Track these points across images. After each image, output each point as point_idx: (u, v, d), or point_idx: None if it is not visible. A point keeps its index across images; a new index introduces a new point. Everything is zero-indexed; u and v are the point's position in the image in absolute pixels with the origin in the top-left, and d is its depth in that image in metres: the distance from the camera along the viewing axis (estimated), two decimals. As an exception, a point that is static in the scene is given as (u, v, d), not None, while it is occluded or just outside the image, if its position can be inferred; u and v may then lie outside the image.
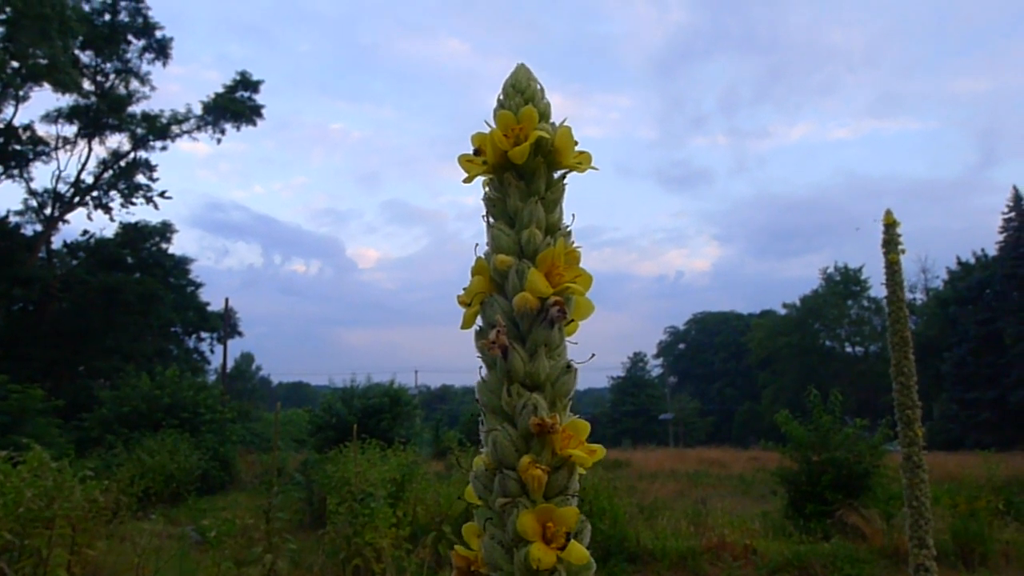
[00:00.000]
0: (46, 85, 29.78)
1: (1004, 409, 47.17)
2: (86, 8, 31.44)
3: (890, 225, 5.27)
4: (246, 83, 39.98)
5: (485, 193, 0.98)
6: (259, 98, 40.07)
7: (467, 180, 0.96)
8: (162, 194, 37.93)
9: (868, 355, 63.69)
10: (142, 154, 37.69)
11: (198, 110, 38.10)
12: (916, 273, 65.50)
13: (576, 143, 0.96)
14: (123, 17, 35.05)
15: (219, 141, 39.28)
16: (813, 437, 14.82)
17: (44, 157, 34.95)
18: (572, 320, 0.93)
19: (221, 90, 39.43)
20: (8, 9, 24.73)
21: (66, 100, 33.37)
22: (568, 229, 0.96)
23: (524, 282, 0.89)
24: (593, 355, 0.92)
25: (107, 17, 34.19)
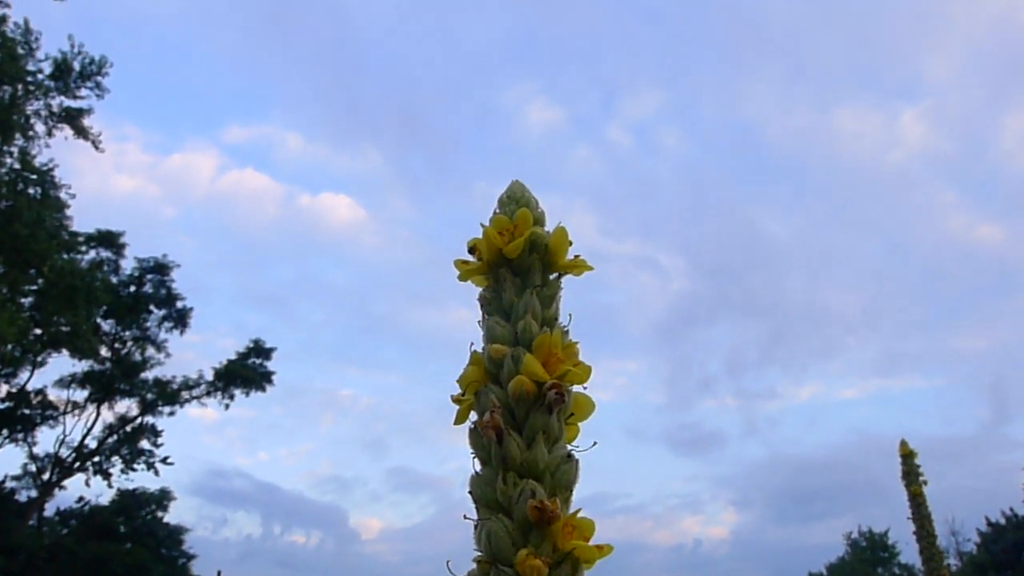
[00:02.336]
0: (64, 351, 30.65)
1: None
2: (114, 280, 33.24)
3: (907, 456, 5.12)
4: (259, 350, 41.11)
5: (480, 293, 0.97)
6: (271, 364, 40.97)
7: (462, 278, 0.96)
8: (165, 460, 37.43)
9: (906, 629, 58.56)
10: (149, 419, 37.80)
11: (209, 376, 38.78)
12: (946, 536, 62.27)
13: (571, 243, 0.97)
14: (148, 288, 36.94)
15: (227, 407, 39.50)
16: None
17: (51, 421, 35.05)
18: (572, 415, 0.88)
19: (234, 357, 40.43)
20: (40, 280, 26.16)
21: (81, 366, 34.16)
22: (566, 328, 0.93)
23: (520, 367, 0.85)
24: (596, 443, 0.86)
25: (132, 288, 36.04)
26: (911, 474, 4.94)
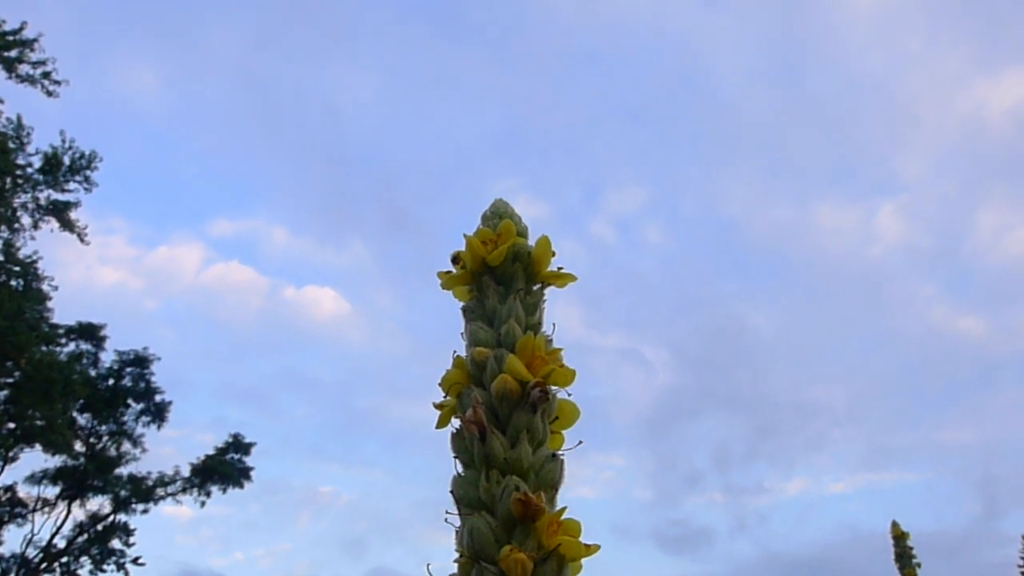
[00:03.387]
0: (38, 446, 29.90)
1: None
2: (92, 373, 32.74)
3: (899, 537, 5.02)
4: (238, 445, 40.24)
5: (464, 305, 0.96)
6: (249, 460, 40.05)
7: (444, 287, 0.96)
8: (136, 560, 35.98)
9: None
10: (122, 517, 36.59)
11: (186, 472, 37.82)
12: (942, 637, 60.48)
13: (554, 254, 0.97)
14: (126, 382, 36.39)
15: (203, 504, 38.26)
16: None
17: (20, 520, 33.81)
18: (557, 419, 0.87)
19: (212, 452, 39.58)
20: (17, 373, 25.74)
21: (54, 461, 33.26)
22: (549, 336, 0.93)
23: (503, 366, 0.84)
24: (581, 442, 0.84)
25: (111, 381, 35.51)
26: (904, 556, 4.83)
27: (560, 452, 0.83)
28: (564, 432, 0.87)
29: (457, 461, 0.82)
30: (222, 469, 38.00)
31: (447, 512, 0.77)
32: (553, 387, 0.85)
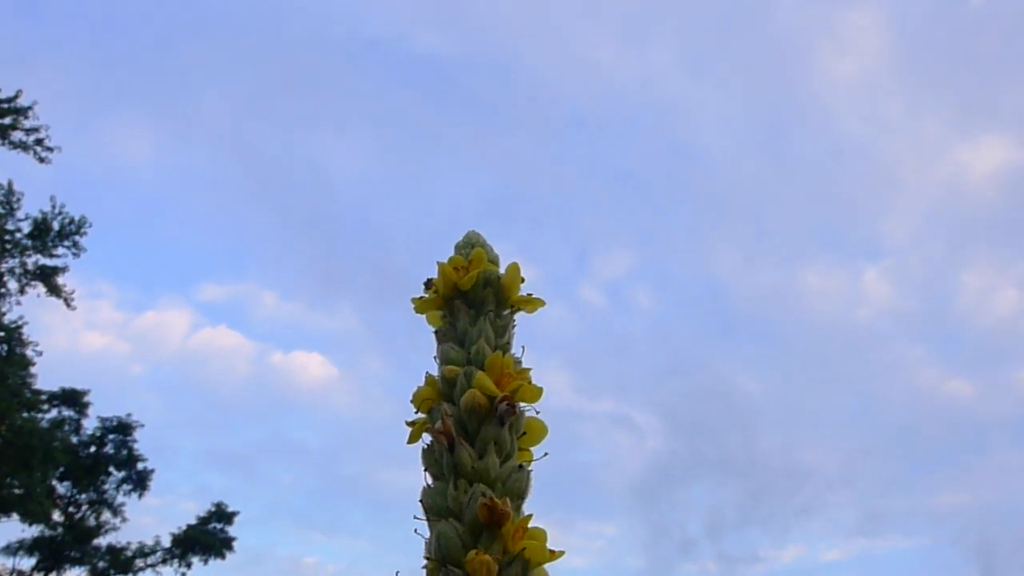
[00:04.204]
0: (14, 515, 29.15)
1: None
2: (74, 440, 32.19)
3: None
4: (220, 514, 39.34)
5: (436, 329, 1.00)
6: (232, 530, 39.12)
7: (417, 311, 1.00)
8: (112, 636, 34.81)
9: None
10: (99, 591, 35.46)
11: (167, 542, 36.87)
12: None
13: (523, 280, 1.01)
14: (108, 449, 35.76)
15: (184, 576, 37.25)
16: None
17: (-8, 595, 32.71)
18: (524, 434, 0.90)
19: (194, 521, 38.68)
20: (-4, 441, 25.28)
21: (31, 531, 32.40)
22: (519, 358, 0.96)
23: (472, 382, 0.87)
24: (547, 453, 0.86)
25: (92, 448, 34.90)
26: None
27: (527, 465, 0.86)
28: (532, 449, 0.90)
29: (427, 474, 0.85)
30: (204, 539, 37.07)
31: (415, 517, 0.79)
32: (521, 404, 0.88)
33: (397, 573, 0.76)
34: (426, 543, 0.79)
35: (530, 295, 1.01)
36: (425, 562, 0.78)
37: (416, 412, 0.90)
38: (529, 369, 0.92)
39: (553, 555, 0.77)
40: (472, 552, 0.74)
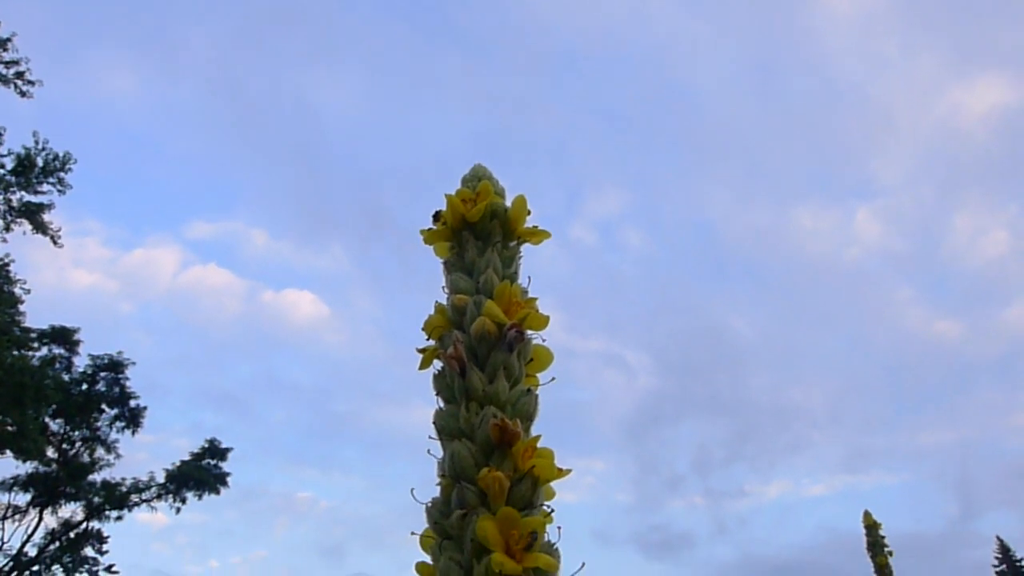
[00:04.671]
0: (8, 452, 29.43)
1: None
2: (66, 377, 32.29)
3: (871, 527, 5.13)
4: (214, 451, 39.78)
5: (445, 260, 1.02)
6: (226, 466, 39.61)
7: (427, 242, 1.02)
8: (110, 568, 35.51)
9: None
10: (95, 524, 36.06)
11: (161, 478, 37.35)
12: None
13: (529, 212, 1.03)
14: (100, 387, 35.90)
15: (178, 511, 37.78)
16: None
17: (-10, 528, 33.20)
18: (532, 361, 0.93)
19: (188, 457, 39.10)
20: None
21: (26, 468, 32.74)
22: (525, 288, 0.99)
23: (482, 310, 0.90)
24: (553, 378, 0.90)
25: (84, 387, 35.03)
26: (876, 545, 4.94)
27: (534, 388, 0.89)
28: (538, 375, 0.93)
29: (439, 398, 0.88)
30: (198, 475, 37.54)
31: (429, 437, 0.83)
32: (529, 331, 0.91)
33: (412, 490, 0.80)
34: (439, 462, 0.83)
35: (535, 227, 1.03)
36: (439, 480, 0.81)
37: (427, 339, 0.93)
38: (536, 299, 0.95)
39: (561, 472, 0.80)
40: (484, 469, 0.78)
